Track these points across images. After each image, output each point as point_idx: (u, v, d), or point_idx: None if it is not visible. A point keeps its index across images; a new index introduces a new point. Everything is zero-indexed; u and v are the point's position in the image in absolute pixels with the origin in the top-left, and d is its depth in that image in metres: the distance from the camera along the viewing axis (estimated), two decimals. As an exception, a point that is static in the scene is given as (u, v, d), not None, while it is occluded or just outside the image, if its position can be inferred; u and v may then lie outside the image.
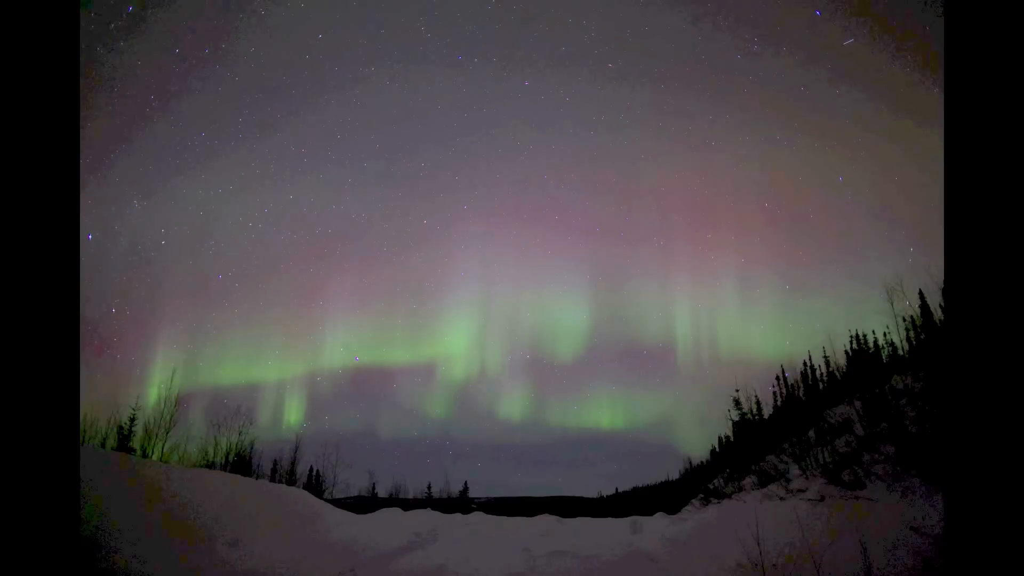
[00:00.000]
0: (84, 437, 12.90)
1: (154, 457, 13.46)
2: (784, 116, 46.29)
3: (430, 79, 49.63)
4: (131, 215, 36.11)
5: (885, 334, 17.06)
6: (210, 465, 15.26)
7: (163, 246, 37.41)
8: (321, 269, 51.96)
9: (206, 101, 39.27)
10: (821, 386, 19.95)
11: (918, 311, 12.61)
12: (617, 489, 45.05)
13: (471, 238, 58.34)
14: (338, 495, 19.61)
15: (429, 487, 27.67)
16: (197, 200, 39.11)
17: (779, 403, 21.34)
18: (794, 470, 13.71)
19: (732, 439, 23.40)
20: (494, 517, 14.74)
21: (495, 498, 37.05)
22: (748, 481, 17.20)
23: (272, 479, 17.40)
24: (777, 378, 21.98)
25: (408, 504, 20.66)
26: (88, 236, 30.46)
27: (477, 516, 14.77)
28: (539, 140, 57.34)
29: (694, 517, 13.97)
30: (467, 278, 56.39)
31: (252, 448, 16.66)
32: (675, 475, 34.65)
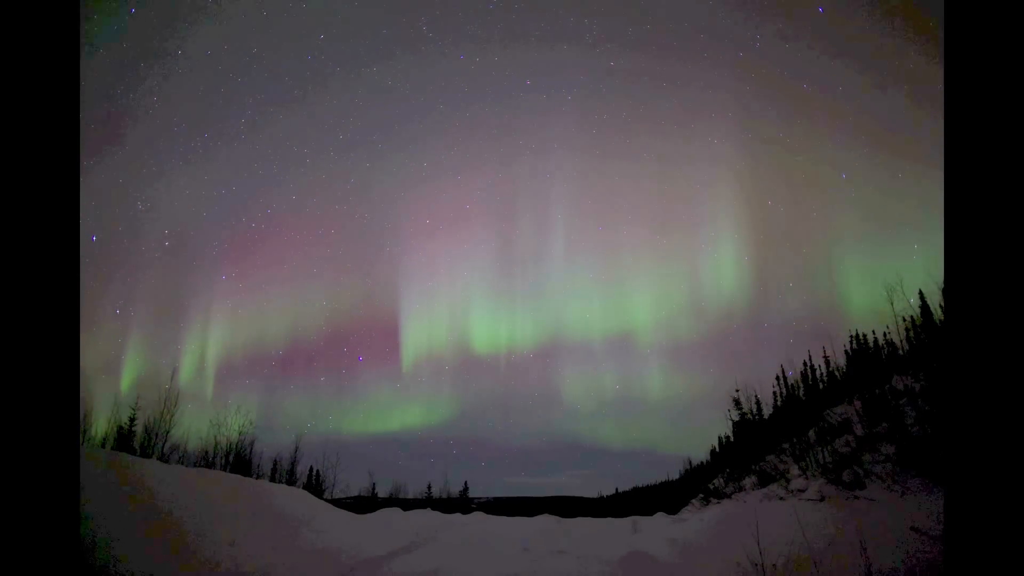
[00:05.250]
0: (84, 437, 12.91)
1: (154, 457, 13.47)
2: (786, 113, 46.35)
3: (432, 79, 49.74)
4: (134, 216, 36.15)
5: (885, 334, 17.07)
6: (210, 465, 15.27)
7: (166, 247, 37.48)
8: (324, 269, 52.04)
9: (209, 102, 39.36)
10: (821, 386, 19.94)
11: (918, 311, 12.60)
12: (617, 489, 45.16)
13: (474, 238, 58.45)
14: (338, 495, 19.61)
15: (429, 487, 27.62)
16: (200, 201, 39.21)
17: (779, 403, 21.34)
18: (794, 470, 13.73)
19: (732, 439, 23.40)
20: (494, 517, 14.73)
21: (495, 498, 37.10)
22: (748, 481, 17.22)
23: (272, 479, 17.40)
24: (777, 378, 21.99)
25: (408, 504, 20.65)
26: (92, 237, 30.50)
27: (477, 516, 14.75)
28: (541, 139, 57.42)
29: (694, 517, 13.96)
30: (470, 277, 56.50)
31: (252, 448, 16.67)
32: (675, 475, 34.73)
